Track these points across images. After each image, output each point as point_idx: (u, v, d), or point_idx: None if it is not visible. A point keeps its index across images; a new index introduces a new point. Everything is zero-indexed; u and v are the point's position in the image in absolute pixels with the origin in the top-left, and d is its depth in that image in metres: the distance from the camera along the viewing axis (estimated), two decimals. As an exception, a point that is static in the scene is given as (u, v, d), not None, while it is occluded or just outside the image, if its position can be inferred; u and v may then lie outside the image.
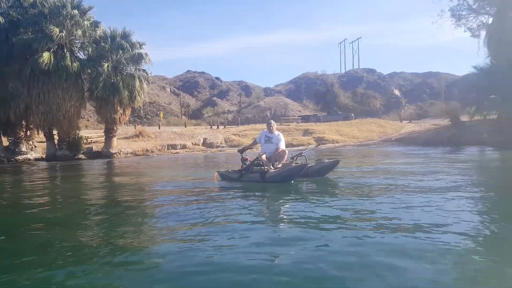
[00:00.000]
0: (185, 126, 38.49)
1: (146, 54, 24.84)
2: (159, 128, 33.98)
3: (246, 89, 78.17)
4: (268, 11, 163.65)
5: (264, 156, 7.94)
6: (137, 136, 28.96)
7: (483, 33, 26.51)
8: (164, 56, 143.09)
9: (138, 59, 24.61)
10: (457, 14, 28.55)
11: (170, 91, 71.83)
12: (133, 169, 15.16)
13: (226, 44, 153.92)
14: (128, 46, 24.06)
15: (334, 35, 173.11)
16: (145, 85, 24.91)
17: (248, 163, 8.15)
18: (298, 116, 50.29)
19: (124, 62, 24.11)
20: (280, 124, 38.50)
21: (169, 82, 76.75)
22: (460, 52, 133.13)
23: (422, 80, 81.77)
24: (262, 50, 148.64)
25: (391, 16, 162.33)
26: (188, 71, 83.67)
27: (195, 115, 63.60)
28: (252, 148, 9.86)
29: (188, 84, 77.32)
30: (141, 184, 9.48)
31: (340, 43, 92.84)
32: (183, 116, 59.99)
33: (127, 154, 24.78)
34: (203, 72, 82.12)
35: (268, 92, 79.15)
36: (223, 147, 28.65)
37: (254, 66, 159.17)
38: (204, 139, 29.73)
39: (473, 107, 23.12)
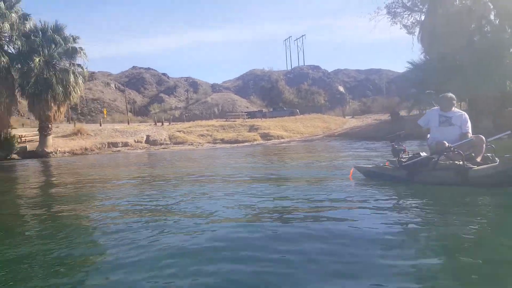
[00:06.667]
0: (128, 123, 37.07)
1: (81, 48, 23.77)
2: (100, 126, 32.39)
3: (194, 85, 76.90)
4: (211, 8, 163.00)
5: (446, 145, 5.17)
6: (75, 134, 27.39)
7: (417, 29, 27.76)
8: (109, 51, 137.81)
9: (72, 53, 23.54)
10: (392, 12, 29.78)
11: (115, 87, 69.10)
12: (67, 169, 14.12)
13: (172, 40, 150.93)
14: (60, 40, 22.87)
15: (279, 32, 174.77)
16: (80, 81, 23.78)
17: (406, 155, 5.74)
18: (245, 112, 50.27)
19: (57, 56, 22.96)
20: (226, 120, 38.25)
21: (114, 78, 73.78)
22: (399, 49, 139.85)
23: (365, 77, 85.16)
24: (209, 46, 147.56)
25: (331, 13, 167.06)
26: (134, 67, 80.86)
27: (141, 112, 62.26)
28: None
29: (134, 80, 74.88)
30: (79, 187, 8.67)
31: (285, 40, 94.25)
32: (128, 113, 57.98)
33: (64, 153, 23.36)
34: (149, 68, 79.85)
35: (216, 88, 78.47)
36: (167, 144, 27.91)
37: (202, 62, 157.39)
38: (147, 136, 28.77)
39: (411, 102, 24.26)
